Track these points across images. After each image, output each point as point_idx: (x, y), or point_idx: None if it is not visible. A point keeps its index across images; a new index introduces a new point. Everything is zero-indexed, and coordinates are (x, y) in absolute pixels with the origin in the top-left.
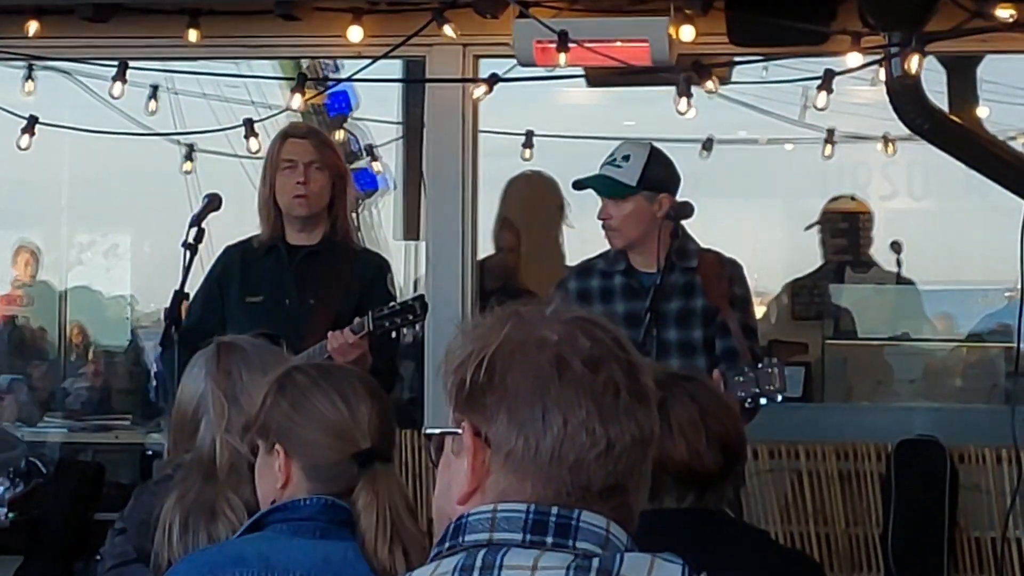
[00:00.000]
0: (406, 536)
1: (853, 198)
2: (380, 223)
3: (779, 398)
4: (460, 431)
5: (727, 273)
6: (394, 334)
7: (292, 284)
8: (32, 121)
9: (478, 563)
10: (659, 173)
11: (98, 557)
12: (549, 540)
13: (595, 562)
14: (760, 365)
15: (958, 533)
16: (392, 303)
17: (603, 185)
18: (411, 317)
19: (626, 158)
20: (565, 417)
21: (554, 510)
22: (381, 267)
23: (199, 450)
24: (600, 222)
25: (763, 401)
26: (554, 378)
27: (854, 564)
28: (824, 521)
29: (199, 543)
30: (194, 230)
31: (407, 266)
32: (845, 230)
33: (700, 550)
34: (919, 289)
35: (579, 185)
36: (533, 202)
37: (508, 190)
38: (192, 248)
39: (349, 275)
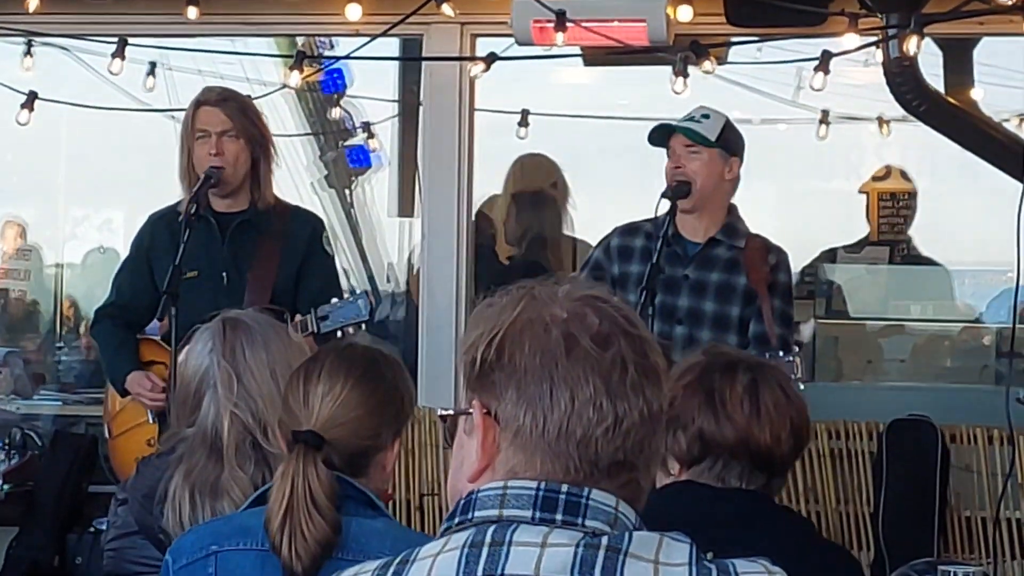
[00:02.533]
0: (304, 524)
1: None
2: (373, 200)
3: (801, 387)
4: (471, 410)
5: (771, 259)
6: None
7: (228, 257)
8: (31, 97)
9: (487, 539)
10: (733, 137)
11: (91, 528)
12: (559, 518)
13: (604, 540)
14: (782, 354)
15: (949, 512)
16: (335, 300)
17: (686, 131)
18: (354, 316)
19: (705, 116)
20: (572, 393)
21: (564, 488)
22: (316, 227)
23: (201, 425)
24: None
25: None
26: (562, 355)
27: (844, 542)
28: (815, 499)
29: (205, 519)
30: (192, 206)
31: (400, 243)
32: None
33: (746, 532)
34: (912, 270)
35: (659, 132)
36: (536, 183)
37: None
38: (190, 223)
39: (285, 242)
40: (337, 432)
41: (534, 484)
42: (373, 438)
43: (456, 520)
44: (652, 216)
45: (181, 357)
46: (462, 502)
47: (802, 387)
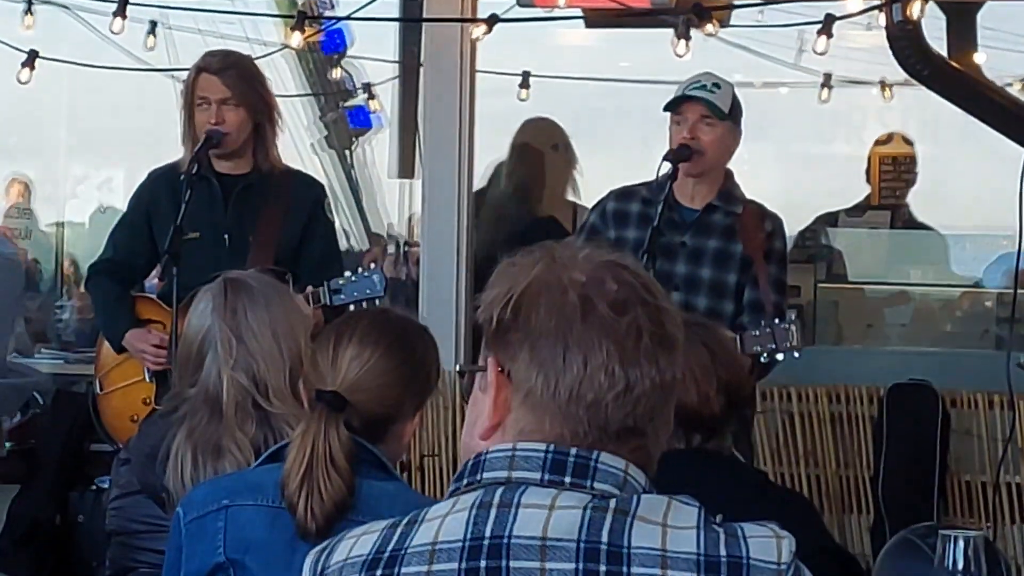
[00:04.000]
0: (321, 483)
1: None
2: (373, 161)
3: (796, 355)
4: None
5: (768, 226)
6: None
7: (230, 219)
8: (32, 55)
9: (496, 500)
10: (738, 107)
11: (93, 487)
12: (567, 480)
13: (612, 503)
14: (778, 321)
15: (949, 477)
16: (349, 274)
17: (708, 103)
18: (369, 292)
19: (716, 86)
20: (585, 357)
21: (573, 450)
22: (319, 193)
23: (204, 385)
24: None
25: (779, 357)
26: (577, 319)
27: (844, 506)
28: (815, 463)
29: (207, 479)
30: (194, 165)
31: (401, 204)
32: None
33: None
34: (913, 234)
35: (678, 101)
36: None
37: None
38: (192, 183)
39: (287, 206)
40: (360, 396)
41: (543, 446)
42: (395, 407)
43: (465, 481)
44: (648, 180)
45: (187, 318)
46: (471, 463)
47: (796, 355)
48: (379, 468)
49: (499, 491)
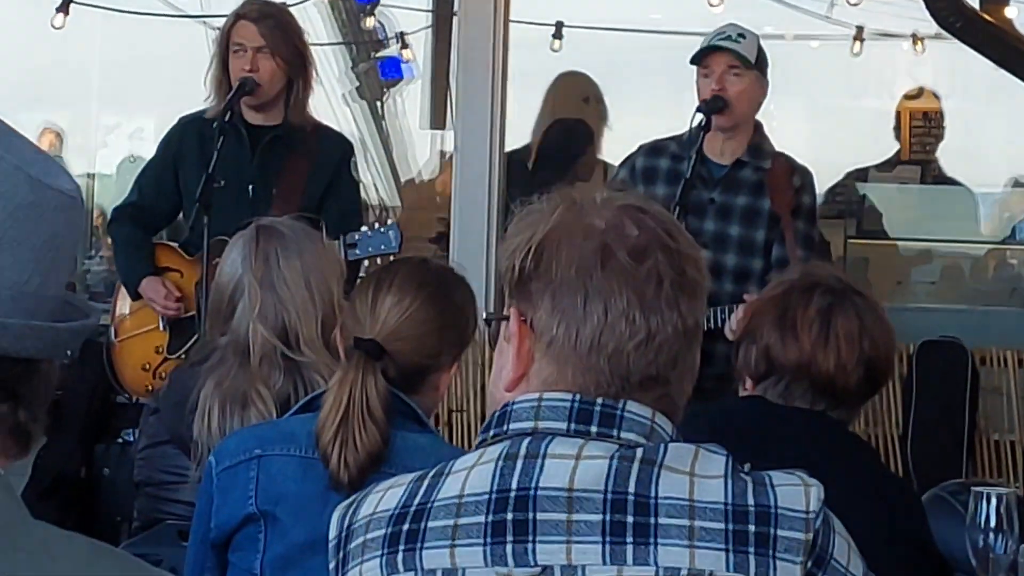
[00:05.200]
0: (357, 433)
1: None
2: (404, 112)
3: None
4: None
5: (796, 181)
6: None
7: (256, 170)
8: (67, 0)
9: (522, 451)
10: (764, 57)
11: (119, 440)
12: (594, 429)
13: (639, 452)
14: None
15: (977, 435)
16: (365, 229)
17: (735, 53)
18: (384, 248)
19: (742, 36)
20: (605, 306)
21: (599, 400)
22: (346, 151)
23: (235, 334)
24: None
25: None
26: (596, 267)
27: None
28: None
29: (234, 428)
30: (227, 113)
31: (432, 155)
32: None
33: (811, 450)
34: (943, 189)
35: (704, 52)
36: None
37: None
38: (224, 131)
39: (314, 161)
40: (399, 346)
41: (569, 396)
42: (433, 357)
43: (491, 432)
44: (676, 134)
45: (219, 265)
46: (497, 414)
47: None
48: (414, 420)
49: (525, 442)
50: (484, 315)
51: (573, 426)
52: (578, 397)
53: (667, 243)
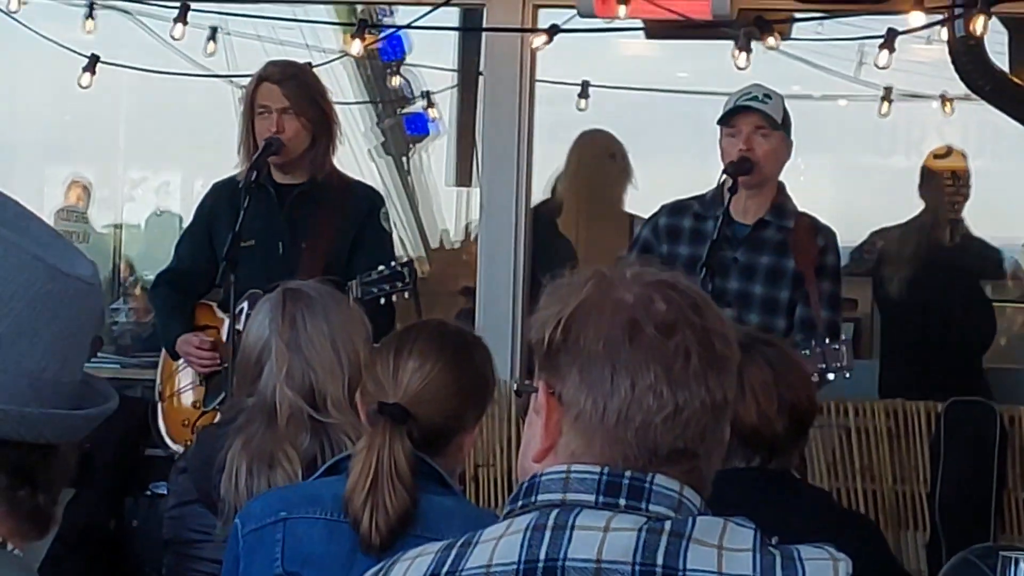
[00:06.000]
0: (387, 497)
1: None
2: (430, 168)
3: (847, 376)
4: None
5: (820, 241)
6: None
7: (284, 227)
8: (94, 60)
9: (550, 522)
10: (790, 119)
11: (148, 492)
12: (622, 502)
13: (667, 525)
14: (828, 341)
15: (1006, 495)
16: (381, 268)
17: (764, 114)
18: (399, 284)
19: (768, 96)
20: (633, 380)
21: (628, 472)
22: (374, 202)
23: (262, 395)
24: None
25: (830, 377)
26: (624, 341)
27: (901, 522)
28: (872, 478)
29: (261, 489)
30: (253, 172)
31: (458, 212)
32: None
33: (762, 509)
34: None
35: (732, 112)
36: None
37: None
38: (250, 190)
39: (342, 214)
40: (423, 409)
41: (597, 468)
42: (456, 419)
43: (519, 503)
44: (699, 194)
45: (246, 327)
46: (525, 485)
47: (847, 376)
48: (437, 482)
49: (554, 513)
50: (514, 383)
51: (601, 498)
52: (606, 470)
53: (695, 318)
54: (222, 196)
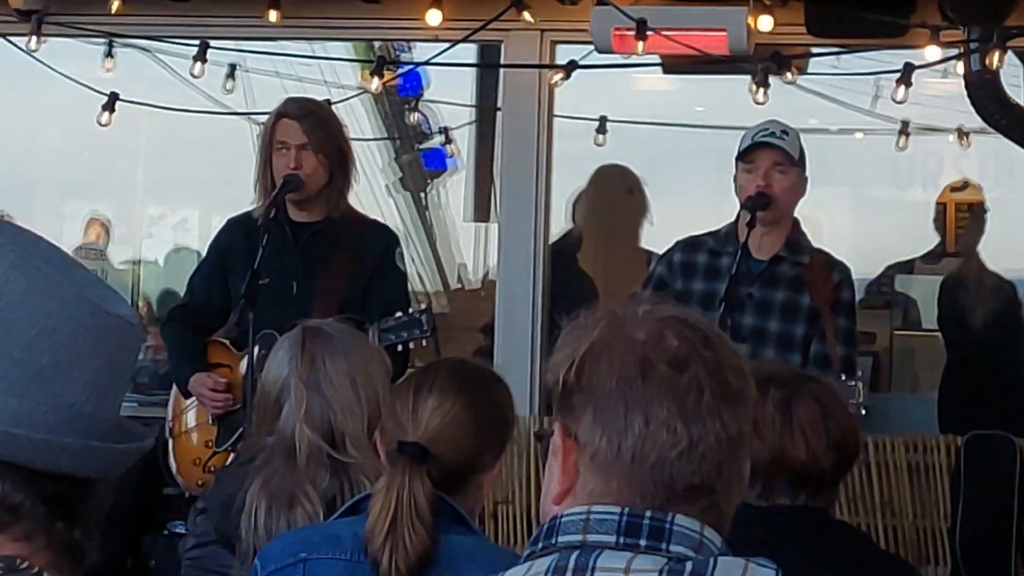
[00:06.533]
0: (407, 537)
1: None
2: (448, 203)
3: (863, 412)
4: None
5: (835, 277)
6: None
7: (298, 266)
8: (112, 98)
9: (571, 564)
10: (805, 155)
11: (165, 531)
12: (643, 543)
13: (688, 566)
14: (844, 377)
15: None
16: (399, 314)
17: (783, 150)
18: (417, 332)
19: (785, 132)
20: (646, 417)
21: (648, 513)
22: (390, 243)
23: (281, 434)
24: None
25: None
26: (637, 378)
27: (921, 557)
28: (892, 513)
29: (280, 529)
30: (271, 210)
31: (476, 247)
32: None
33: (804, 548)
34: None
35: (751, 148)
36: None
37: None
38: (268, 228)
39: (357, 254)
40: (442, 448)
41: (617, 509)
42: (476, 458)
43: (540, 544)
44: (713, 230)
45: (265, 367)
46: (546, 526)
47: (863, 412)
48: (457, 521)
49: (574, 555)
50: (535, 428)
51: (622, 539)
52: (626, 510)
53: (708, 353)
54: (237, 232)
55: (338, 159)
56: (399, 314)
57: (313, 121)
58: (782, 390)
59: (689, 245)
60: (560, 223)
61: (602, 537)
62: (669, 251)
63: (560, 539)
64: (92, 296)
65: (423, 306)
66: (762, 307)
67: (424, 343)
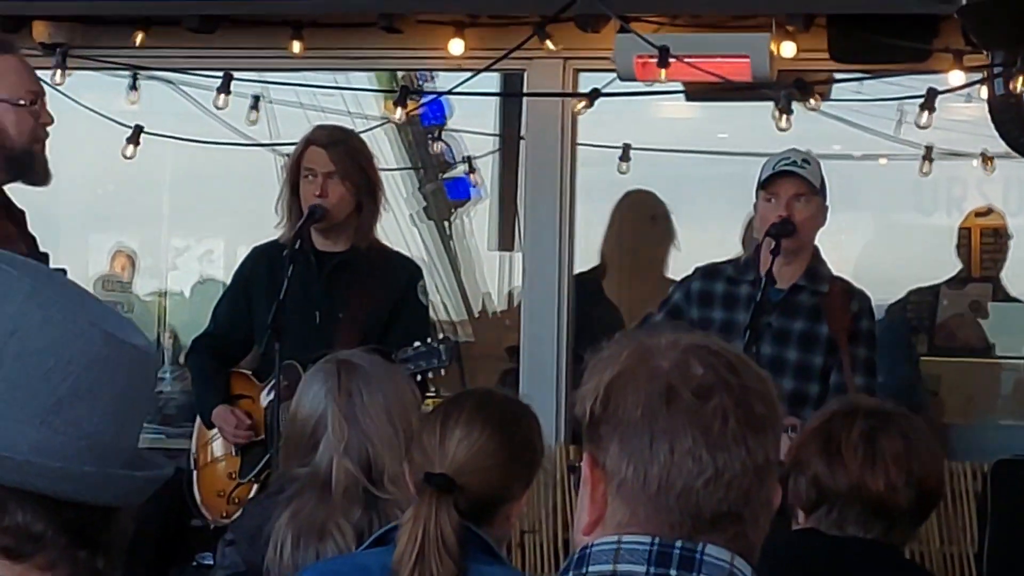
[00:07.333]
0: (434, 568)
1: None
2: (472, 232)
3: None
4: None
5: (854, 306)
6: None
7: (321, 296)
8: (137, 131)
9: None
10: (825, 184)
11: (194, 563)
12: (673, 573)
13: None
14: None
15: None
16: (417, 344)
17: (805, 179)
18: (435, 362)
19: (807, 161)
20: (671, 445)
21: (678, 543)
22: (413, 275)
23: (316, 467)
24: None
25: None
26: (662, 407)
27: None
28: (919, 540)
29: (308, 560)
30: (297, 240)
31: (500, 276)
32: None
33: None
34: (1016, 307)
35: (774, 177)
36: (637, 220)
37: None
38: (295, 258)
39: (380, 286)
40: (469, 479)
41: (648, 539)
42: (503, 489)
43: (570, 574)
44: (732, 258)
45: (295, 398)
46: (576, 556)
47: None
48: (484, 551)
49: None
50: (568, 463)
51: (652, 569)
52: (657, 540)
53: (733, 380)
54: (262, 261)
55: (366, 188)
56: (417, 344)
57: (341, 149)
58: (870, 420)
59: (708, 273)
60: (584, 250)
61: (632, 567)
62: (688, 278)
63: (591, 568)
64: (106, 326)
65: (442, 336)
66: (780, 336)
67: (443, 372)
